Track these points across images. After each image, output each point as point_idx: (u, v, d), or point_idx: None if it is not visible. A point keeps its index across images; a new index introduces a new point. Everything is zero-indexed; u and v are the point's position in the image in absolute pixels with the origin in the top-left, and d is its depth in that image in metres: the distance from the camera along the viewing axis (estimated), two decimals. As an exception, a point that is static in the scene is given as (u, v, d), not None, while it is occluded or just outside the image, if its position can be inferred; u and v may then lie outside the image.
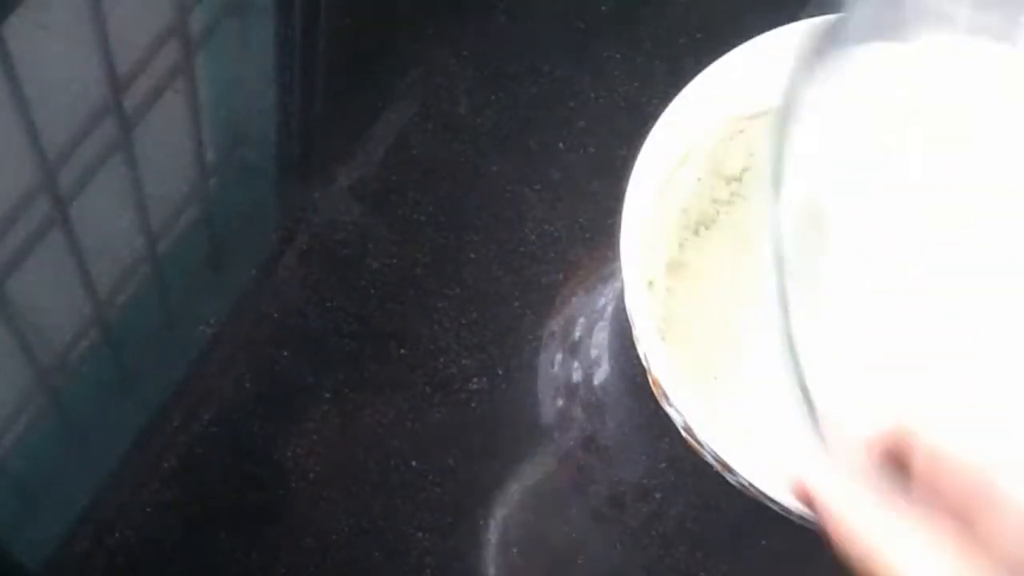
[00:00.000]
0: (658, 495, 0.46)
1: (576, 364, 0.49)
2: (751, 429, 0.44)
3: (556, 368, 0.48)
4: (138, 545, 0.44)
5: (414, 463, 0.46)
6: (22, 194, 0.51)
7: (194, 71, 0.55)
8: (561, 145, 0.53)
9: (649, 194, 0.44)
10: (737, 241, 0.47)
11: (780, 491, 0.38)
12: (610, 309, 0.50)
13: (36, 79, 0.53)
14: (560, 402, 0.48)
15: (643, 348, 0.41)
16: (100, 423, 0.47)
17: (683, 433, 0.42)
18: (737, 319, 0.45)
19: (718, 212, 0.48)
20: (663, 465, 0.47)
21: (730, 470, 0.39)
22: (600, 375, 0.48)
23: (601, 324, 0.49)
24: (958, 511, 0.29)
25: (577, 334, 0.49)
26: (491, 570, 0.45)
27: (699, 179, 0.48)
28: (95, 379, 0.48)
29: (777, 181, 0.34)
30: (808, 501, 0.31)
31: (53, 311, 0.49)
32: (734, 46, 0.45)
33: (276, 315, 0.49)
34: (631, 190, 0.42)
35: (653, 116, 0.43)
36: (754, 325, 0.45)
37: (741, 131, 0.48)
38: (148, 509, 0.45)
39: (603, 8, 0.57)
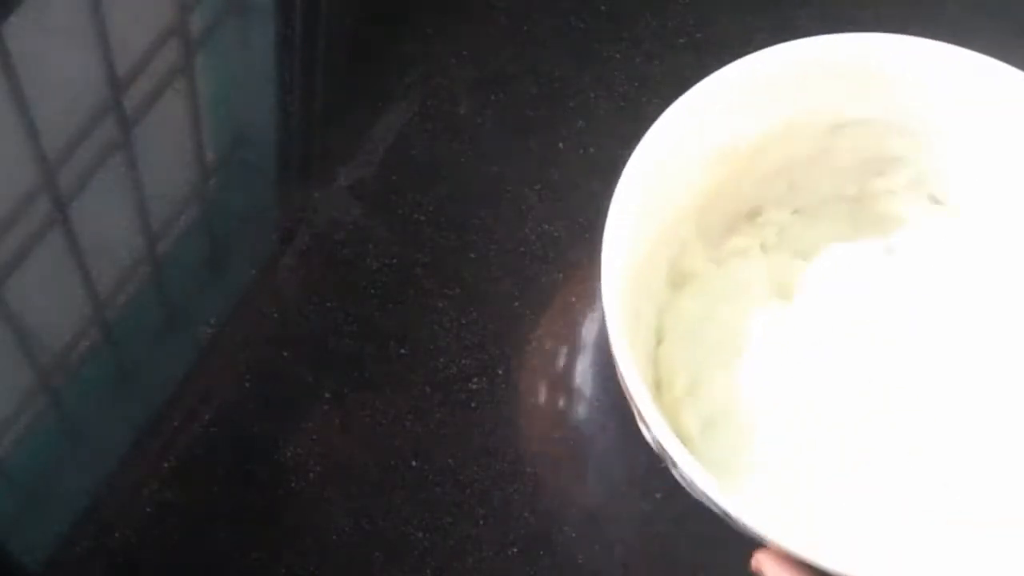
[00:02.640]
0: (658, 495, 0.46)
1: (576, 364, 0.49)
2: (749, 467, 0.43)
3: (556, 368, 0.48)
4: (138, 545, 0.44)
5: (414, 463, 0.46)
6: (22, 194, 0.51)
7: (194, 71, 0.55)
8: (561, 145, 0.53)
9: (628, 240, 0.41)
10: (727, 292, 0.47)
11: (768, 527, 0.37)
12: (610, 309, 0.49)
13: (36, 79, 0.53)
14: (560, 402, 0.48)
15: (636, 406, 0.39)
16: (100, 423, 0.47)
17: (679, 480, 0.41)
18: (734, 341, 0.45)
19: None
20: (663, 465, 0.47)
21: (724, 513, 0.38)
22: (600, 375, 0.48)
23: (601, 324, 0.49)
24: None
25: (577, 334, 0.49)
26: (491, 570, 0.45)
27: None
28: (95, 379, 0.48)
29: None
30: None
31: (53, 311, 0.49)
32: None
33: (276, 315, 0.49)
34: (606, 245, 0.39)
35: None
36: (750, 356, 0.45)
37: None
38: (148, 509, 0.45)
39: (603, 8, 0.57)
